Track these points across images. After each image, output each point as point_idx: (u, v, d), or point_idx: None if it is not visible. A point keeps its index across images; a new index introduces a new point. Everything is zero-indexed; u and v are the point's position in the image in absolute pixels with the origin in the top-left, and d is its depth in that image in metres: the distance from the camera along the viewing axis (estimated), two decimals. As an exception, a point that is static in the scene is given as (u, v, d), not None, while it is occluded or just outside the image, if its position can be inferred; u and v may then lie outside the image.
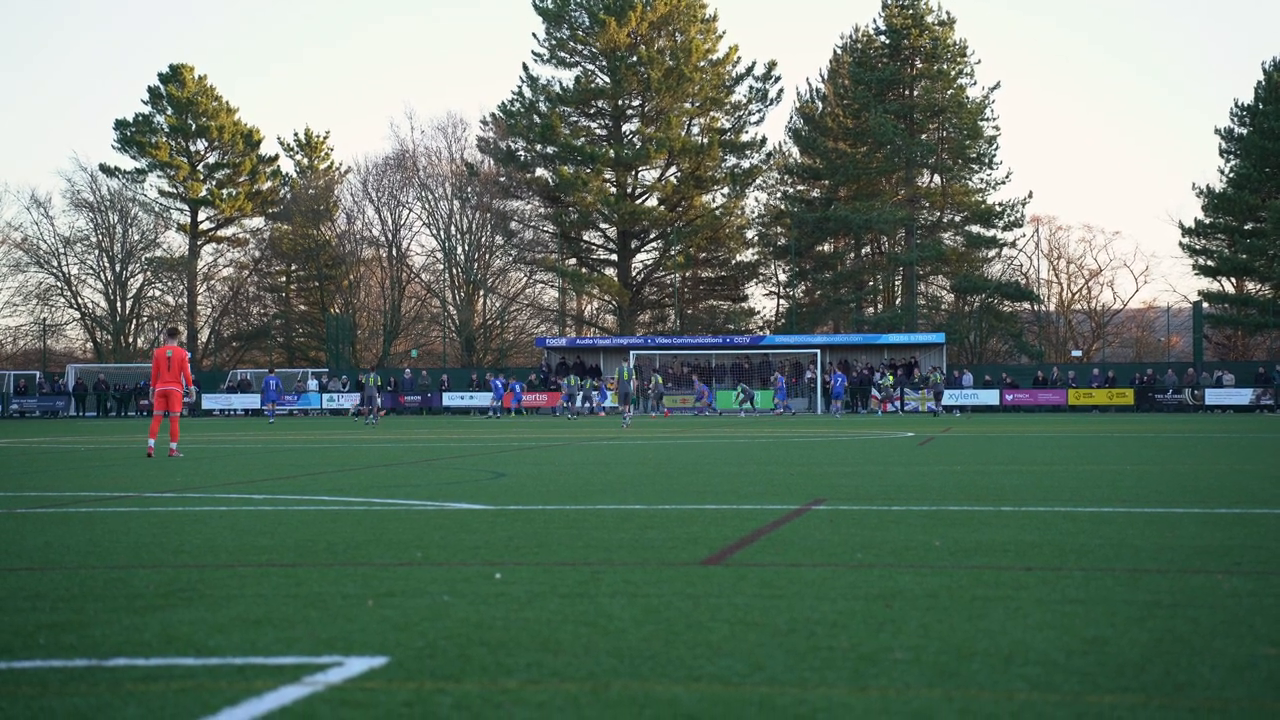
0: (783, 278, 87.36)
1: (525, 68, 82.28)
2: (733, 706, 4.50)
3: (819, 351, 66.03)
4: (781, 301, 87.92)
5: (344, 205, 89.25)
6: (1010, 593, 6.72)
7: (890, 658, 5.21)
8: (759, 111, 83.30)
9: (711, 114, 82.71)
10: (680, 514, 11.28)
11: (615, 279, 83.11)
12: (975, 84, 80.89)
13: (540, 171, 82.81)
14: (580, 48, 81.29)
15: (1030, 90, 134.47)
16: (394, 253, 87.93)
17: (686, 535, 9.49)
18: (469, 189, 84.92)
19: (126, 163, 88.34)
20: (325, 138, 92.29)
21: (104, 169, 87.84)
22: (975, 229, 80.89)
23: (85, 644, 5.55)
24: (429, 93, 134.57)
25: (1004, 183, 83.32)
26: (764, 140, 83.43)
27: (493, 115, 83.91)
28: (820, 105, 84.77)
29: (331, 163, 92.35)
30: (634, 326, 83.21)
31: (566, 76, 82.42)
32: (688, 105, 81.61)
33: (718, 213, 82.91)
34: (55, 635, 5.74)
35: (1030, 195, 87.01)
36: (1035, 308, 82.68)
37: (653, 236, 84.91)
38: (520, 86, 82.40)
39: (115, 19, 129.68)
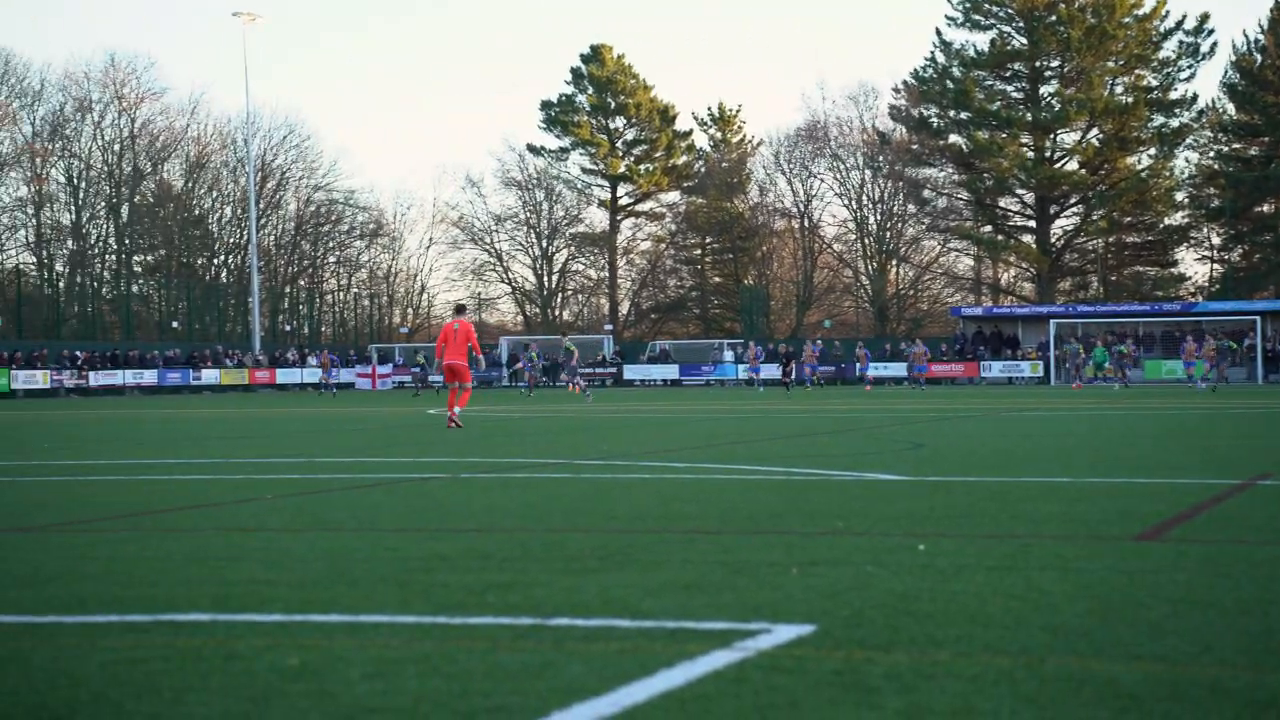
0: (1216, 241, 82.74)
1: (938, 32, 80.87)
2: (1179, 688, 4.29)
3: (1259, 319, 62.10)
4: (1215, 266, 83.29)
5: (756, 177, 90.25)
6: None
7: (1353, 645, 4.84)
8: (1189, 67, 79.01)
9: (1136, 72, 78.99)
10: (1110, 487, 10.87)
11: (1033, 246, 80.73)
12: None
13: (954, 138, 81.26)
14: (996, 9, 79.15)
15: None
16: (806, 223, 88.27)
17: (1117, 509, 9.14)
18: (880, 158, 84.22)
19: (551, 142, 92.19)
20: (738, 111, 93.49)
21: (531, 149, 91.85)
22: None
23: (529, 603, 5.82)
24: (840, 62, 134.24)
25: None
26: (1195, 97, 79.10)
27: (905, 82, 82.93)
28: (1259, 58, 79.41)
29: (744, 136, 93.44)
30: (1053, 294, 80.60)
31: (981, 40, 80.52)
32: (1110, 64, 78.20)
33: (1144, 175, 79.19)
34: (502, 594, 6.04)
35: None
36: None
37: (1073, 201, 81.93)
38: (933, 52, 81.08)
39: (540, 3, 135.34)
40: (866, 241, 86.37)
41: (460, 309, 24.43)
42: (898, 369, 64.64)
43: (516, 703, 4.19)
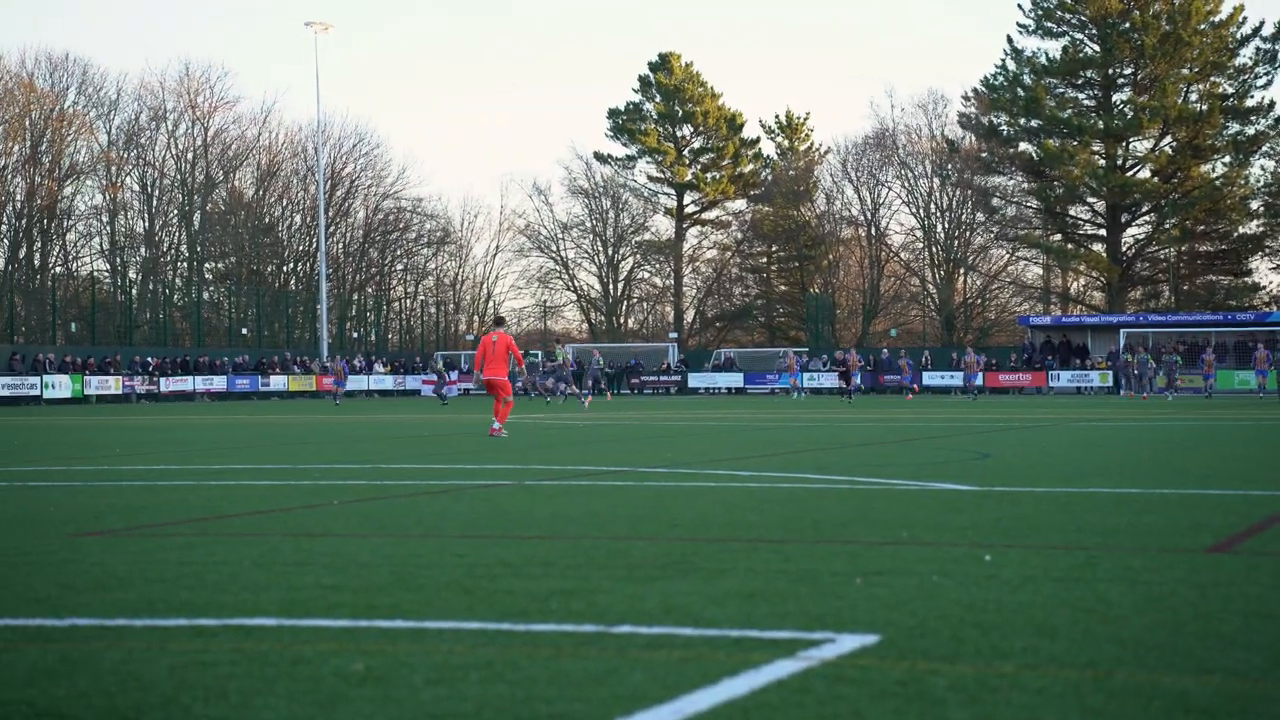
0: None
1: (1009, 40, 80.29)
2: (1251, 703, 4.23)
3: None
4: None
5: (823, 185, 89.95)
6: None
7: None
8: (1267, 74, 77.88)
9: (1212, 79, 77.98)
10: (1179, 498, 10.74)
11: (1103, 255, 79.88)
12: None
13: (1024, 146, 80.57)
14: (1069, 17, 78.44)
15: None
16: (873, 232, 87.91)
17: (1188, 521, 9.03)
18: (949, 166, 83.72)
19: (618, 150, 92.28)
20: (805, 119, 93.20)
21: (598, 156, 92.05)
22: None
23: (592, 610, 5.83)
24: (909, 69, 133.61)
25: None
26: (1272, 104, 77.92)
27: (975, 90, 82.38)
28: (1337, 64, 78.12)
29: (811, 144, 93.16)
30: (1124, 304, 79.72)
31: (1053, 47, 79.79)
32: (1185, 71, 77.26)
33: (1218, 183, 78.15)
34: (565, 601, 6.06)
35: None
36: None
37: (1145, 210, 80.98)
38: (1004, 59, 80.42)
39: (608, 12, 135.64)
40: (934, 250, 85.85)
41: (499, 321, 23.94)
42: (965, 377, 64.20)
43: (579, 710, 4.20)
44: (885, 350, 69.67)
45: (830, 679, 4.56)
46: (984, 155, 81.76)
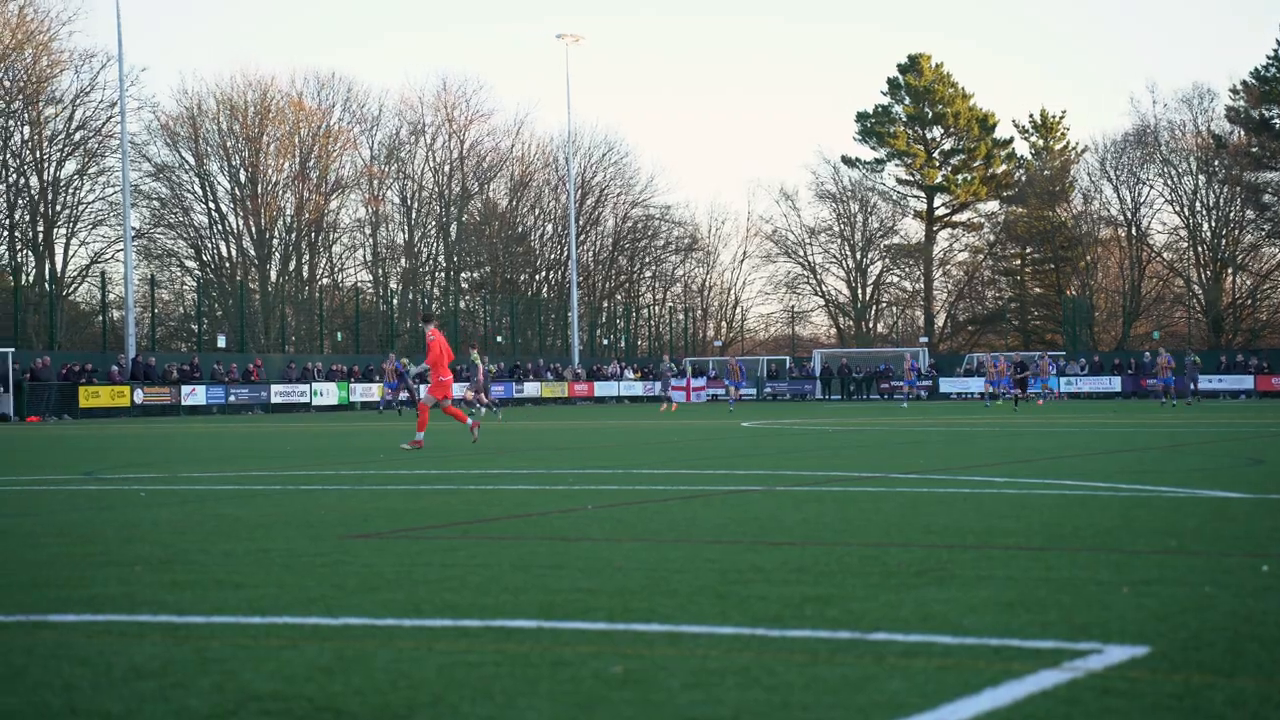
0: None
1: None
2: None
3: None
4: None
5: (1080, 185, 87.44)
6: None
7: None
8: None
9: None
10: None
11: (1386, 251, 75.73)
12: None
13: (1298, 139, 76.98)
14: (1342, 1, 74.70)
15: None
16: (1133, 232, 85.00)
17: None
18: (1216, 162, 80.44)
19: (866, 153, 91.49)
20: (1061, 118, 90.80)
21: (845, 160, 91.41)
22: None
23: (847, 617, 5.77)
24: (1171, 63, 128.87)
25: None
26: None
27: (1244, 83, 78.97)
28: None
29: (1067, 143, 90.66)
30: None
31: (1327, 33, 76.03)
32: None
33: None
34: (819, 608, 6.02)
35: None
36: None
37: None
38: (1275, 50, 76.98)
39: (855, 15, 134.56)
40: (1200, 249, 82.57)
41: (430, 318, 23.24)
42: (1234, 381, 61.63)
43: (838, 716, 4.17)
44: (1146, 353, 67.30)
45: (1099, 690, 4.42)
46: (1254, 150, 78.35)
